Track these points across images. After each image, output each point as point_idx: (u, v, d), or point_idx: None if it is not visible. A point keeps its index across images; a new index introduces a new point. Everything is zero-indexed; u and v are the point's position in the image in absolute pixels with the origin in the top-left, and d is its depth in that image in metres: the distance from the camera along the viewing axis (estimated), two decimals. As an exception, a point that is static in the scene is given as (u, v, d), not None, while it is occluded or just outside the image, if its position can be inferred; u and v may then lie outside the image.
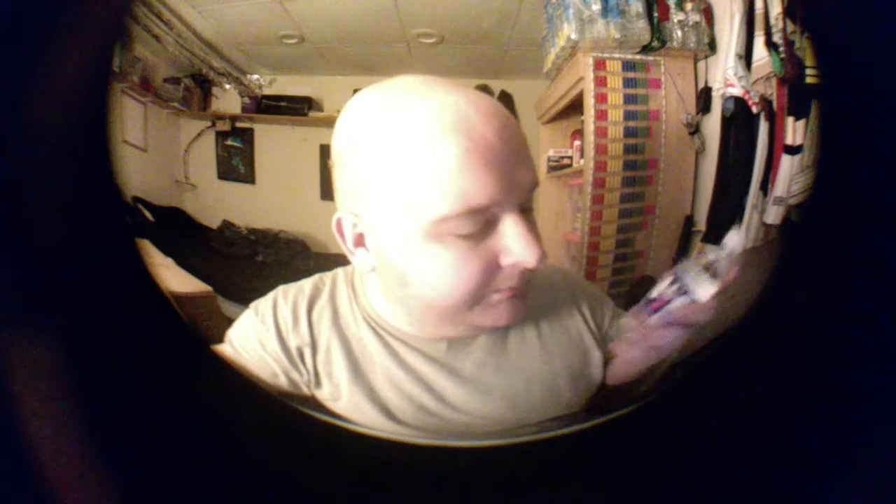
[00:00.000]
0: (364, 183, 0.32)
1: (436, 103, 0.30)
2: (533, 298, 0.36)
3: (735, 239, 0.38)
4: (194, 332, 0.40)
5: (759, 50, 0.41)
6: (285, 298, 0.38)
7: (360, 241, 0.34)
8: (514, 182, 0.30)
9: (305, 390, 0.38)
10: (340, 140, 0.34)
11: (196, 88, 0.43)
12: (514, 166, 0.31)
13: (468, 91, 0.32)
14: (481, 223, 0.30)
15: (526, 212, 0.32)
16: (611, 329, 0.39)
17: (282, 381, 0.38)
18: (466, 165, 0.29)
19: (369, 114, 0.32)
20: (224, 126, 0.44)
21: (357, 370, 0.37)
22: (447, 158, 0.29)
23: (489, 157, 0.29)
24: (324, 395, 0.38)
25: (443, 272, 0.31)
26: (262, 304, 0.38)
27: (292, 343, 0.37)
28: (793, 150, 0.40)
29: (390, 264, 0.33)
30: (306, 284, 0.39)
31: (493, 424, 0.38)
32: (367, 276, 0.38)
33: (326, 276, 0.40)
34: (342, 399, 0.37)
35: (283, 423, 0.39)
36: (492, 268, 0.31)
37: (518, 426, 0.38)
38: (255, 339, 0.38)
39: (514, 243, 0.31)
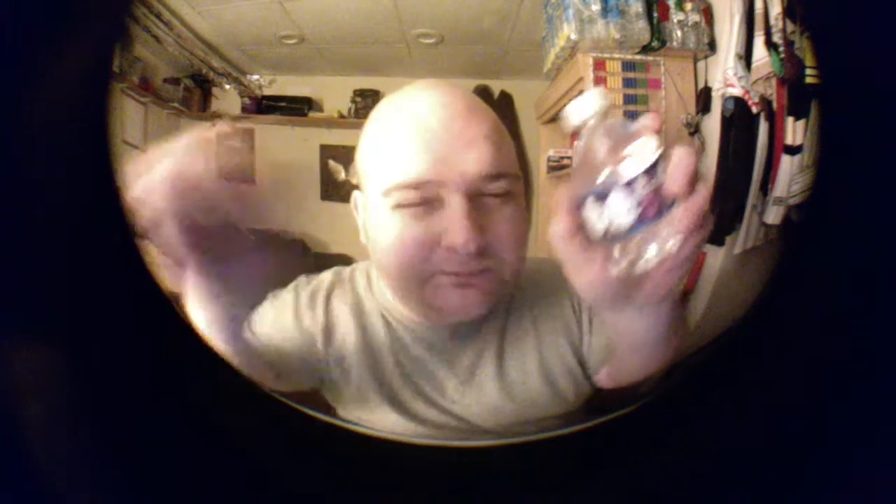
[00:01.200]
0: (362, 165, 0.36)
1: (403, 97, 0.35)
2: (528, 289, 0.38)
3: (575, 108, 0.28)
4: (195, 333, 0.40)
5: (759, 50, 0.41)
6: (305, 287, 0.39)
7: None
8: (454, 166, 0.33)
9: (314, 379, 0.39)
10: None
11: (196, 89, 0.43)
12: (457, 152, 0.33)
13: (442, 87, 0.36)
14: (422, 198, 0.33)
15: (478, 198, 0.33)
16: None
17: (291, 365, 0.38)
18: (403, 145, 0.33)
19: (373, 111, 0.37)
20: (224, 126, 0.44)
21: (366, 357, 0.38)
22: (393, 139, 0.34)
23: (427, 141, 0.33)
24: (333, 380, 0.38)
25: (389, 239, 0.35)
26: (283, 292, 0.39)
27: (307, 326, 0.38)
28: (793, 150, 0.40)
29: (370, 236, 0.37)
30: (326, 274, 0.40)
31: (494, 421, 0.38)
32: None
33: (347, 267, 0.41)
34: (350, 386, 0.38)
35: (284, 424, 0.39)
36: (430, 244, 0.33)
37: (518, 422, 0.39)
38: (272, 323, 0.38)
39: (447, 224, 0.33)
